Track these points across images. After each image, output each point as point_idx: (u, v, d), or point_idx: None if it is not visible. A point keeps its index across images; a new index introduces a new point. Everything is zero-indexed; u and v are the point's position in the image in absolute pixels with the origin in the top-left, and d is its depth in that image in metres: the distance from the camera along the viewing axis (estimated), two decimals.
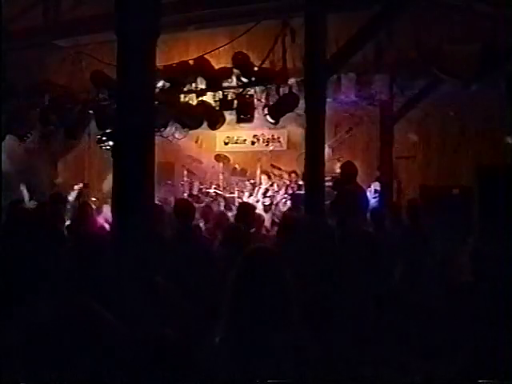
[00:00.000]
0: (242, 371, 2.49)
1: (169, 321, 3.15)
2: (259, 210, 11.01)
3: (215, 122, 11.18)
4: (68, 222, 7.88)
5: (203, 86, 10.68)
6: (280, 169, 12.57)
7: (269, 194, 12.21)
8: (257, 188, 12.45)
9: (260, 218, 7.81)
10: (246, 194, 12.49)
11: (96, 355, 1.70)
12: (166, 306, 3.49)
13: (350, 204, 7.55)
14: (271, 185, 12.43)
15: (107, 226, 7.50)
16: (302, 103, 9.05)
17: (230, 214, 11.71)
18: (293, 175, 12.18)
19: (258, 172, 12.71)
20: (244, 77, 10.45)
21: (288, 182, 12.25)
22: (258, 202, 11.86)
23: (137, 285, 3.70)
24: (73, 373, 1.64)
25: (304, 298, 3.06)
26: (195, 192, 12.85)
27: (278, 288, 2.65)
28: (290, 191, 12.02)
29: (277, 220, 10.97)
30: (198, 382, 2.22)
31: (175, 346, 2.26)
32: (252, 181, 12.68)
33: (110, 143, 11.58)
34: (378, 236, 5.83)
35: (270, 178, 12.50)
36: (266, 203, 11.99)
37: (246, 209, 7.13)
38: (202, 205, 11.13)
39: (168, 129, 11.41)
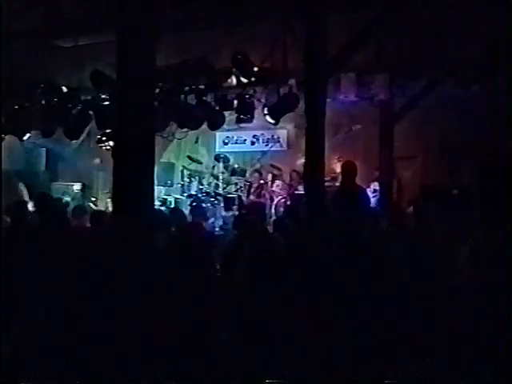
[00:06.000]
0: (248, 369, 2.50)
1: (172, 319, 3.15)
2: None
3: (215, 122, 11.19)
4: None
5: (203, 86, 10.68)
6: (280, 169, 12.57)
7: (263, 192, 12.22)
8: (247, 186, 12.47)
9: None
10: (245, 193, 12.49)
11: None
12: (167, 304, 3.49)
13: (346, 204, 7.57)
14: (271, 184, 12.43)
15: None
16: (302, 103, 9.06)
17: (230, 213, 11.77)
18: (294, 174, 12.17)
19: (252, 171, 12.73)
20: (244, 77, 10.46)
21: (288, 182, 12.25)
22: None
23: (138, 283, 3.71)
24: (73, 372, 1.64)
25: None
26: (194, 192, 12.84)
27: (282, 287, 2.66)
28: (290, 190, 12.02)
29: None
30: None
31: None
32: (251, 180, 12.69)
33: (110, 143, 11.59)
34: (368, 236, 5.83)
35: (261, 175, 12.51)
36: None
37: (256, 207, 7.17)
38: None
39: (168, 129, 11.42)
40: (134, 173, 4.26)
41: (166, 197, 12.80)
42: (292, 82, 10.22)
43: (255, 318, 3.09)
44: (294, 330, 3.19)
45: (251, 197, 12.34)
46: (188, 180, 13.01)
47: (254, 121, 11.36)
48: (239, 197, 12.27)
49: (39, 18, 10.37)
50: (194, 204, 12.08)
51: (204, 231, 7.27)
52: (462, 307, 4.16)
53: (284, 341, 3.07)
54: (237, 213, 11.13)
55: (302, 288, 3.73)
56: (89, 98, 11.43)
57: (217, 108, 10.98)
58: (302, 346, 3.16)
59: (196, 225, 7.35)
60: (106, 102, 10.96)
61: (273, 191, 12.26)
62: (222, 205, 12.18)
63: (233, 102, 10.88)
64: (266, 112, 10.77)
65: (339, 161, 11.06)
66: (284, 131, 12.92)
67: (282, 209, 11.69)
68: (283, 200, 11.90)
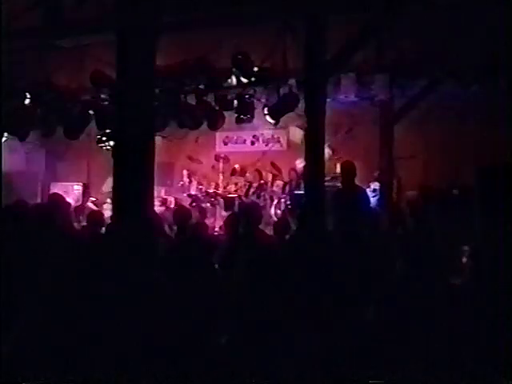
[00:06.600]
0: (248, 370, 2.50)
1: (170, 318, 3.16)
2: None
3: (215, 122, 11.19)
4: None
5: (203, 86, 10.69)
6: (280, 169, 12.56)
7: (262, 193, 12.21)
8: (247, 187, 12.47)
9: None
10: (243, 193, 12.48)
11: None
12: (165, 304, 3.49)
13: (345, 204, 7.57)
14: (271, 184, 12.42)
15: None
16: (302, 103, 9.06)
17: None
18: (292, 173, 12.17)
19: (252, 171, 12.71)
20: (244, 77, 10.46)
21: (287, 181, 12.24)
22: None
23: (138, 282, 3.71)
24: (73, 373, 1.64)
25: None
26: (194, 192, 12.84)
27: (283, 288, 2.67)
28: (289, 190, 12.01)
29: (275, 218, 10.97)
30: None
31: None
32: (250, 180, 12.68)
33: (110, 143, 11.60)
34: (370, 237, 5.83)
35: (261, 175, 12.50)
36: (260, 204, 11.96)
37: (250, 209, 7.16)
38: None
39: (168, 129, 11.43)
40: (133, 173, 4.26)
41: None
42: (292, 81, 10.22)
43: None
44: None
45: (250, 197, 12.34)
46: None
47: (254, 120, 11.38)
48: (239, 197, 12.26)
49: (39, 18, 10.39)
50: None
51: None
52: (461, 307, 4.16)
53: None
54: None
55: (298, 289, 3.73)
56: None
57: (217, 108, 10.98)
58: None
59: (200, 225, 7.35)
60: (106, 102, 10.97)
61: (273, 191, 12.26)
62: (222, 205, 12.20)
63: (233, 102, 10.88)
64: (266, 112, 10.77)
65: (338, 161, 11.05)
66: (284, 131, 12.93)
67: (281, 209, 11.70)
68: (283, 200, 11.90)
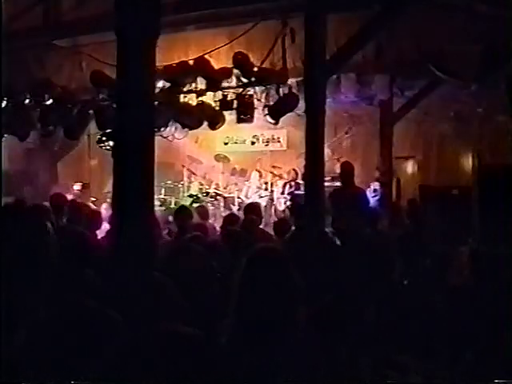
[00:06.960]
0: (248, 371, 2.50)
1: (168, 317, 3.16)
2: None
3: (215, 122, 11.18)
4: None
5: (203, 86, 10.68)
6: (280, 170, 12.58)
7: (263, 193, 12.21)
8: (246, 187, 12.47)
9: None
10: (243, 193, 12.50)
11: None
12: (164, 303, 3.49)
13: (344, 206, 7.58)
14: (271, 184, 12.43)
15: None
16: (301, 103, 9.07)
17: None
18: (292, 173, 12.18)
19: (252, 171, 12.72)
20: (244, 77, 10.46)
21: (287, 181, 12.25)
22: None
23: (136, 282, 3.71)
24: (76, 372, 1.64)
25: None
26: (194, 192, 12.86)
27: (282, 288, 2.66)
28: (289, 190, 12.02)
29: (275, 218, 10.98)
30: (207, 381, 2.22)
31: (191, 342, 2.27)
32: (251, 180, 12.70)
33: (110, 143, 11.60)
34: (374, 237, 5.83)
35: (261, 176, 12.50)
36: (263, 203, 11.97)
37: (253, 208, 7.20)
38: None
39: (168, 129, 11.43)
40: (133, 173, 4.26)
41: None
42: (292, 81, 10.22)
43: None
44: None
45: (250, 197, 12.35)
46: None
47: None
48: (239, 197, 12.28)
49: (39, 18, 10.41)
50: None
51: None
52: (461, 308, 4.16)
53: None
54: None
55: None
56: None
57: (217, 108, 10.98)
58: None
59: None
60: (106, 102, 10.97)
61: (272, 191, 12.28)
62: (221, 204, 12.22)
63: (233, 102, 10.88)
64: (266, 112, 10.77)
65: (338, 161, 11.08)
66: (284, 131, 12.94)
67: (281, 209, 11.72)
68: (283, 200, 11.92)
